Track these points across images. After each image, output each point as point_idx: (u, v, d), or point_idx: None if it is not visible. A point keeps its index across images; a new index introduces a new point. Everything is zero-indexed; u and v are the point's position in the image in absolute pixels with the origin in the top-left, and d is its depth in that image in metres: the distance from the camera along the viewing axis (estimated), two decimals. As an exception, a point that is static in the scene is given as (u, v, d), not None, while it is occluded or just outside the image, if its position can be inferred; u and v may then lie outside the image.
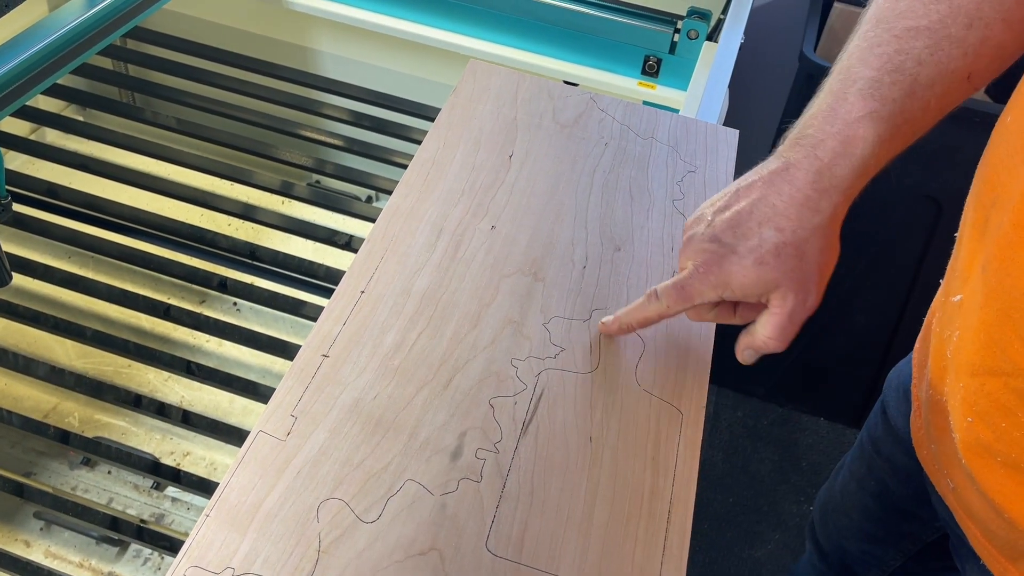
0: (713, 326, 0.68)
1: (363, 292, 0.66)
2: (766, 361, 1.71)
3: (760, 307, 0.58)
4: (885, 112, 0.54)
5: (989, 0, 0.53)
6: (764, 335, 0.57)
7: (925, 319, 0.71)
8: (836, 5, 1.38)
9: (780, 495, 1.58)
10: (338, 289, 0.66)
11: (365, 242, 0.70)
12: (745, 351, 0.60)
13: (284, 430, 0.57)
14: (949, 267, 0.63)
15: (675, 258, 0.72)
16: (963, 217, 0.60)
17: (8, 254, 0.98)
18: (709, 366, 0.65)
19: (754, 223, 0.56)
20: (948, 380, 0.59)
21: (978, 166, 0.59)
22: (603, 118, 0.85)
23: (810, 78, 1.29)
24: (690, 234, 0.59)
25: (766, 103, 1.48)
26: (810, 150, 0.55)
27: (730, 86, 1.27)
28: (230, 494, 0.54)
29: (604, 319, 0.66)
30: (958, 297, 0.58)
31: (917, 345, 0.72)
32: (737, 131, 0.86)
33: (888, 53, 0.54)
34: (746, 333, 0.59)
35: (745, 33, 1.19)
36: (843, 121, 0.54)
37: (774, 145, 1.27)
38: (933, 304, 0.69)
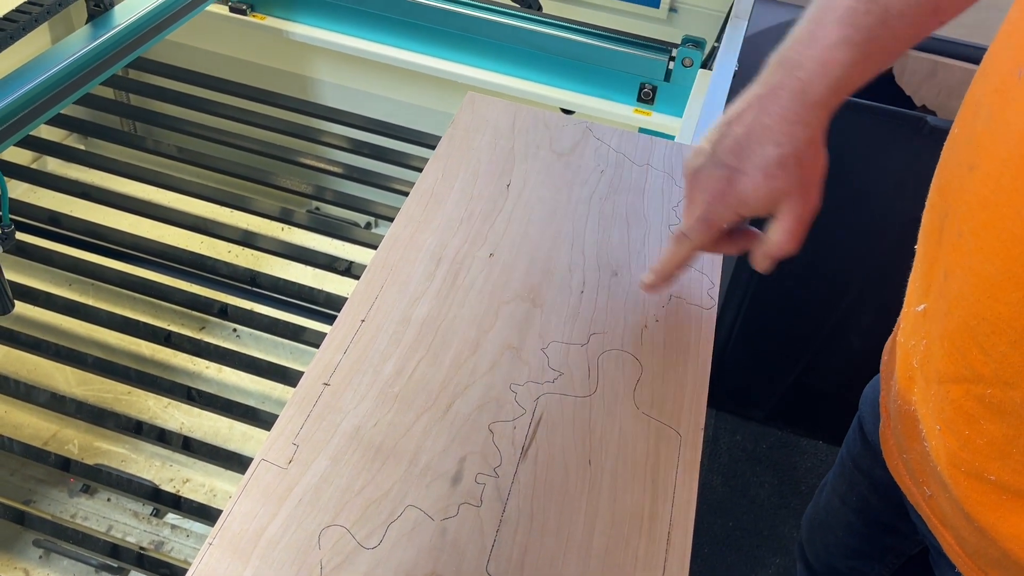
0: (710, 350, 0.69)
1: (363, 321, 0.67)
2: (765, 385, 1.71)
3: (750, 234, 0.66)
4: (859, 38, 0.58)
5: None
6: (780, 240, 0.62)
7: (892, 334, 0.72)
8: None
9: (780, 519, 1.58)
10: (339, 318, 0.67)
11: (365, 271, 0.71)
12: (764, 260, 0.64)
13: (286, 458, 0.58)
14: (911, 278, 0.65)
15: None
16: (921, 227, 0.61)
17: (10, 282, 0.99)
18: (707, 388, 0.66)
19: (754, 143, 0.61)
20: (916, 389, 0.60)
21: (933, 177, 0.60)
22: (599, 146, 0.86)
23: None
24: (694, 167, 0.64)
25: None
26: (791, 71, 0.60)
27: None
28: (233, 522, 0.55)
29: (644, 278, 0.70)
30: (922, 306, 0.59)
31: (884, 358, 0.73)
32: None
33: None
34: (761, 244, 0.64)
35: (739, 61, 1.21)
36: (821, 45, 0.58)
37: None
38: (900, 317, 0.71)
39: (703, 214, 0.64)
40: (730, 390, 1.71)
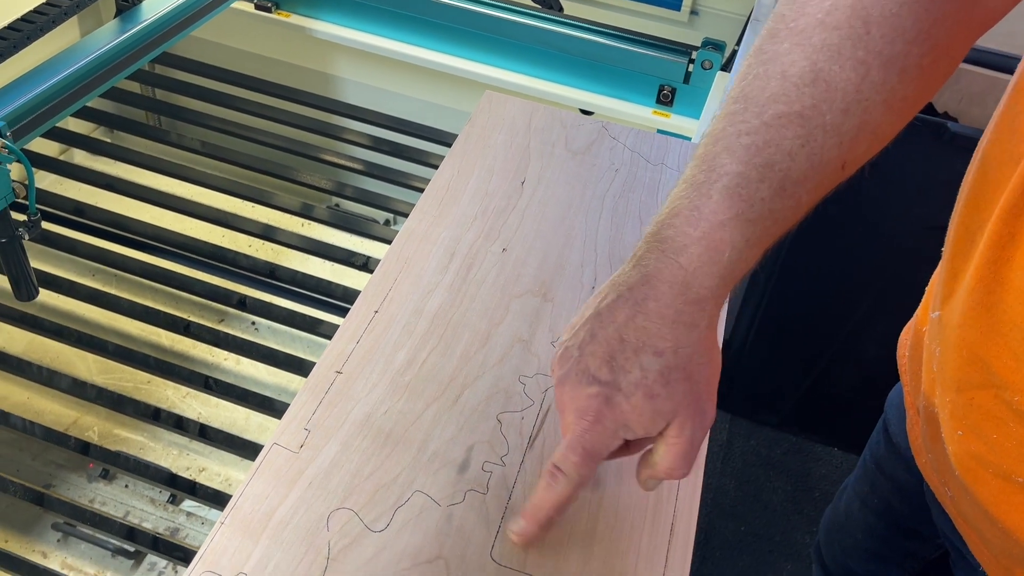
0: (720, 342, 0.69)
1: (377, 312, 0.68)
2: (780, 390, 1.71)
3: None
4: (753, 214, 0.48)
5: (869, 81, 0.47)
6: (667, 466, 0.51)
7: (907, 331, 0.72)
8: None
9: (793, 525, 1.58)
10: (353, 309, 0.68)
11: (380, 264, 0.72)
12: (648, 481, 0.53)
13: (297, 443, 0.59)
14: (931, 282, 0.64)
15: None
16: (948, 237, 0.61)
17: (35, 270, 1.01)
18: (716, 386, 0.66)
19: (630, 352, 0.49)
20: (937, 393, 0.60)
21: (960, 188, 0.60)
22: (614, 145, 0.87)
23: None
24: (561, 375, 0.52)
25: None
26: (672, 257, 0.49)
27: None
28: (244, 503, 0.56)
29: (512, 527, 0.54)
30: (936, 313, 0.59)
31: (909, 354, 0.73)
32: None
33: (756, 145, 0.48)
34: (645, 464, 0.52)
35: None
36: (707, 223, 0.48)
37: None
38: (918, 316, 0.70)
39: (578, 442, 0.50)
40: (745, 395, 1.71)
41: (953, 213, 0.61)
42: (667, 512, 0.58)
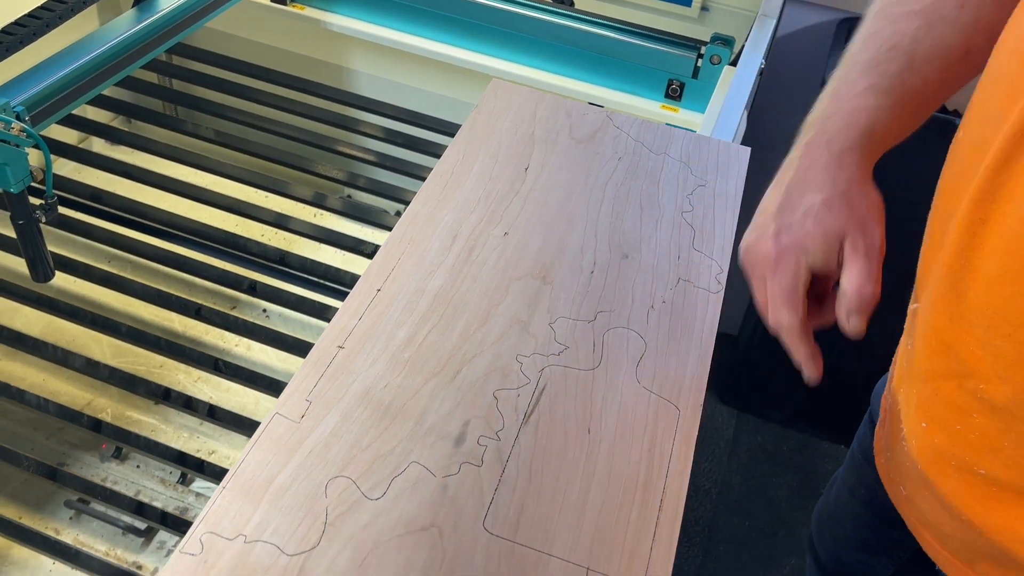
0: (714, 332, 0.71)
1: (379, 290, 0.70)
2: (787, 387, 1.72)
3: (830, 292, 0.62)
4: (884, 84, 0.59)
5: None
6: (854, 286, 0.58)
7: None
8: (861, 35, 1.40)
9: (797, 520, 1.59)
10: (356, 287, 0.70)
11: (384, 244, 0.74)
12: (849, 318, 0.59)
13: (299, 413, 0.61)
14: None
15: (681, 265, 0.75)
16: (926, 230, 0.62)
17: (53, 253, 1.03)
18: (708, 368, 0.68)
19: (796, 197, 0.60)
20: (903, 389, 0.61)
21: (939, 180, 0.61)
22: (618, 135, 0.88)
23: (832, 105, 1.31)
24: (746, 244, 0.62)
25: (792, 130, 1.51)
26: (820, 126, 0.61)
27: (755, 111, 1.29)
28: (246, 469, 0.58)
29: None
30: (915, 306, 0.60)
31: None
32: (748, 148, 0.88)
33: (884, 35, 0.60)
34: (839, 304, 0.59)
35: (772, 61, 1.22)
36: (846, 97, 0.59)
37: None
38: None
39: (774, 294, 0.59)
40: (753, 391, 1.72)
41: (932, 207, 0.62)
42: (657, 488, 0.59)
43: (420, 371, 0.64)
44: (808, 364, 0.62)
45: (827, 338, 1.66)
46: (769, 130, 1.55)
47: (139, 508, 0.91)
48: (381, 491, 0.57)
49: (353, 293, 0.70)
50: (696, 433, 0.63)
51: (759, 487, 1.63)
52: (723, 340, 1.83)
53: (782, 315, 0.60)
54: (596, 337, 0.69)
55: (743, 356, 1.67)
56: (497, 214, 0.78)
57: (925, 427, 0.58)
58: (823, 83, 1.32)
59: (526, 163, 0.83)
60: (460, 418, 0.62)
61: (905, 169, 1.33)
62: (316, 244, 1.36)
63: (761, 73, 1.13)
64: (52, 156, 1.32)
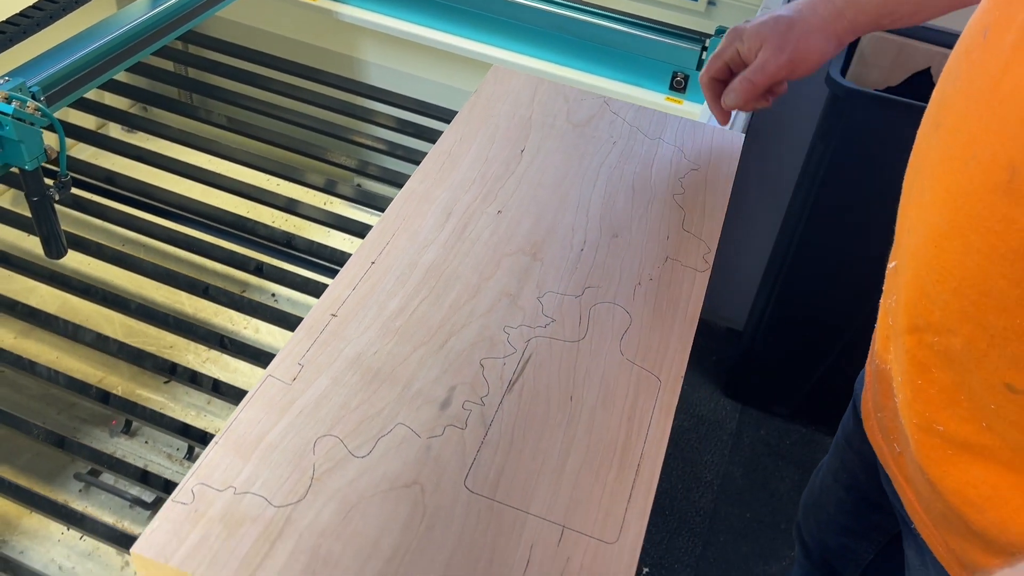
0: (699, 309, 0.73)
1: (373, 263, 0.72)
2: (791, 382, 1.73)
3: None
4: None
5: None
6: (743, 76, 0.80)
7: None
8: (867, 31, 1.41)
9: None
10: (351, 259, 0.72)
11: (380, 220, 0.76)
12: (727, 96, 0.83)
13: (291, 375, 0.63)
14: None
15: (670, 245, 0.77)
16: (902, 189, 0.64)
17: (68, 233, 1.06)
18: (691, 342, 0.70)
19: (773, 12, 0.81)
20: (891, 346, 0.63)
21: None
22: (614, 119, 0.90)
23: (836, 99, 1.32)
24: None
25: (795, 126, 1.52)
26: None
27: (761, 110, 1.29)
28: (238, 426, 0.60)
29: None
30: (893, 264, 0.62)
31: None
32: (743, 135, 0.90)
33: None
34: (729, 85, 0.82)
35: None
36: None
37: (804, 168, 1.34)
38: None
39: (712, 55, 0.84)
40: (756, 386, 1.72)
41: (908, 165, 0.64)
42: (635, 453, 0.61)
43: (410, 339, 0.66)
44: (714, 112, 0.86)
45: (831, 333, 1.67)
46: (772, 124, 1.56)
47: (144, 477, 0.93)
48: (367, 450, 0.59)
49: (348, 265, 0.72)
50: (675, 403, 0.65)
51: (761, 480, 1.64)
52: (728, 334, 1.85)
53: (703, 70, 0.85)
54: (583, 311, 0.71)
55: (748, 350, 1.68)
56: (492, 193, 0.80)
57: (900, 382, 0.60)
58: (827, 78, 1.33)
59: (522, 145, 0.85)
60: (446, 384, 0.64)
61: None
62: (325, 230, 1.38)
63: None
64: (72, 141, 1.36)
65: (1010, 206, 0.49)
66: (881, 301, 0.69)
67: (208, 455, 0.58)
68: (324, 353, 0.65)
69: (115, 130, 1.55)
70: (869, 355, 0.75)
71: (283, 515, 0.55)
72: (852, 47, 1.42)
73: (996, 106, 0.50)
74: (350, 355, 0.65)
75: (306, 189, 1.32)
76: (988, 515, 0.56)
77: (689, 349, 0.69)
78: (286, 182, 1.31)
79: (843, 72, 1.37)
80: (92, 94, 1.41)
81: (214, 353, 1.26)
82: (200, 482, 0.56)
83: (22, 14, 1.02)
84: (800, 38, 0.79)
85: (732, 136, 0.90)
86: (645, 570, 1.48)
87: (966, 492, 0.57)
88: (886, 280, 0.66)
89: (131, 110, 1.58)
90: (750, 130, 1.55)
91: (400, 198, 0.79)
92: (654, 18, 1.31)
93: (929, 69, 1.40)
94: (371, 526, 0.55)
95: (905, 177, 0.64)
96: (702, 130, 0.90)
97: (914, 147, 0.63)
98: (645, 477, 0.60)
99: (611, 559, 0.55)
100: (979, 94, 0.52)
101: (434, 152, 0.84)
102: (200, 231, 1.18)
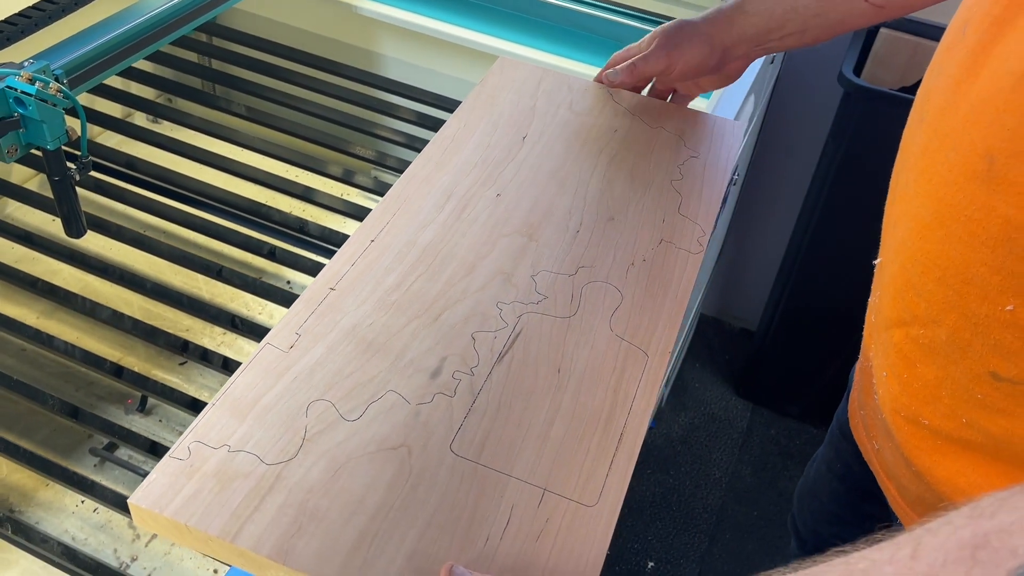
0: (690, 289, 0.74)
1: (373, 241, 0.74)
2: (803, 382, 1.75)
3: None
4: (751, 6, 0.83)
5: None
6: (629, 60, 0.91)
7: None
8: (882, 31, 1.42)
9: (807, 514, 1.60)
10: (351, 237, 0.75)
11: (381, 201, 0.79)
12: (611, 72, 0.93)
13: (288, 344, 0.65)
14: None
15: (665, 228, 0.78)
16: (890, 188, 0.65)
17: (89, 214, 1.09)
18: (680, 321, 0.71)
19: None
20: (873, 343, 0.64)
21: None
22: (617, 108, 0.92)
23: (849, 98, 1.33)
24: None
25: (809, 125, 1.53)
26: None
27: (774, 109, 1.31)
28: (235, 390, 0.62)
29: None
30: (878, 260, 0.63)
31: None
32: (743, 124, 0.91)
33: None
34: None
35: (789, 60, 1.23)
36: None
37: (817, 168, 1.37)
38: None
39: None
40: (768, 385, 1.73)
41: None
42: (618, 424, 0.63)
43: (405, 312, 0.69)
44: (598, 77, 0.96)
45: (843, 333, 1.68)
46: (785, 123, 1.57)
47: (152, 448, 0.96)
48: (358, 414, 0.61)
49: (348, 242, 0.74)
50: (662, 377, 0.67)
51: (769, 479, 1.64)
52: (741, 334, 1.86)
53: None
54: (575, 289, 0.72)
55: (760, 350, 1.69)
56: (492, 177, 0.82)
57: (885, 376, 0.61)
58: (840, 77, 1.34)
59: (524, 132, 0.87)
60: (438, 354, 0.66)
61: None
62: (341, 218, 1.41)
63: (773, 62, 1.16)
64: (99, 128, 1.40)
65: (988, 194, 0.50)
66: (870, 300, 0.70)
67: (205, 415, 0.61)
68: (321, 323, 0.67)
69: (140, 119, 1.59)
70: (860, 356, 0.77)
71: (274, 472, 0.57)
72: (867, 46, 1.43)
73: (974, 97, 0.52)
74: (346, 326, 0.67)
75: (324, 179, 1.35)
76: None
77: (678, 328, 0.71)
78: (304, 171, 1.34)
79: (858, 72, 1.37)
80: (119, 83, 1.45)
81: (229, 336, 1.29)
82: (196, 440, 0.59)
83: (49, 0, 1.06)
84: (683, 40, 0.85)
85: (732, 125, 0.91)
86: (650, 564, 1.49)
87: (956, 481, 0.58)
88: (873, 277, 0.67)
89: (157, 100, 1.62)
90: (763, 129, 1.56)
91: (401, 181, 0.81)
92: (664, 13, 1.32)
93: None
94: (358, 484, 0.57)
95: (892, 174, 0.65)
96: (704, 120, 0.92)
97: (901, 143, 0.64)
98: (627, 445, 0.61)
99: (589, 521, 0.57)
100: (958, 86, 0.53)
101: (438, 138, 0.86)
102: (216, 216, 1.21)
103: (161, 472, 0.58)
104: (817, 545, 0.98)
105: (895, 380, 0.60)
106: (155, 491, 0.57)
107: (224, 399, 0.62)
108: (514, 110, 0.90)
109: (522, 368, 0.66)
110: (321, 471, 0.58)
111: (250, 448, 0.59)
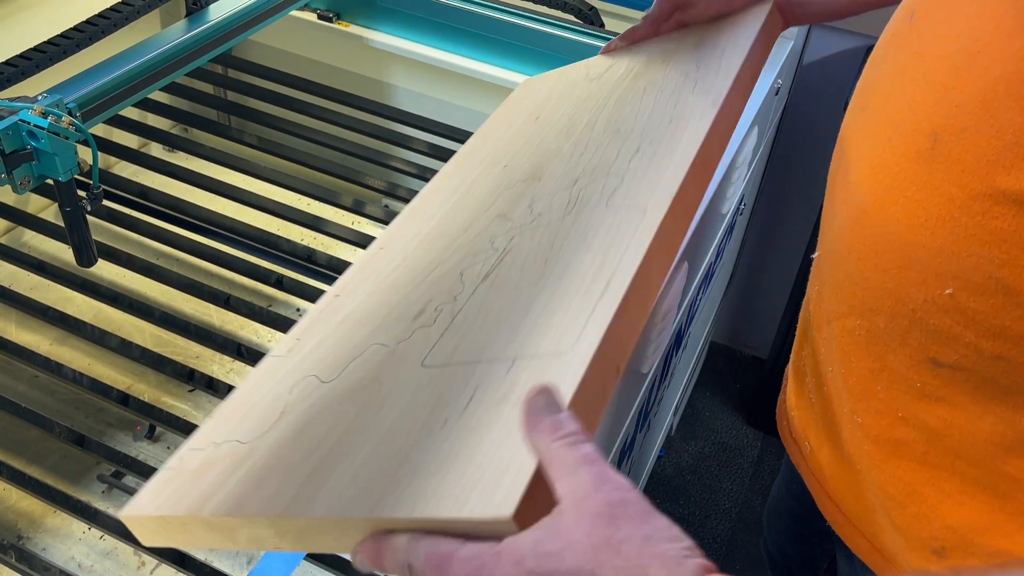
0: (693, 154, 0.65)
1: (382, 248, 0.74)
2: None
3: None
4: None
5: None
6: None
7: None
8: (891, 63, 1.42)
9: (820, 546, 1.58)
10: (363, 252, 0.75)
11: (397, 217, 0.78)
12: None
13: (287, 348, 0.65)
14: None
15: (676, 110, 0.72)
16: (827, 184, 0.65)
17: (98, 242, 1.11)
18: (681, 179, 0.63)
19: None
20: (807, 339, 0.63)
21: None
22: (635, 58, 0.88)
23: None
24: None
25: (817, 154, 1.53)
26: None
27: (781, 136, 1.30)
28: (230, 400, 0.62)
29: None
30: (815, 254, 0.63)
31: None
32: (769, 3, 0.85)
33: None
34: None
35: (798, 86, 1.23)
36: None
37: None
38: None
39: None
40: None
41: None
42: (607, 272, 0.57)
43: (399, 289, 0.66)
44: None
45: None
46: (793, 157, 1.57)
47: (157, 477, 0.97)
48: (337, 373, 0.59)
49: (361, 255, 0.75)
50: (656, 228, 0.58)
51: (782, 510, 1.63)
52: (752, 362, 1.84)
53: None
54: (572, 196, 0.67)
55: (771, 378, 1.68)
56: (500, 153, 0.80)
57: (831, 372, 0.61)
58: (846, 105, 1.34)
59: (538, 114, 0.85)
60: (424, 299, 0.63)
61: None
62: (351, 248, 1.42)
63: (778, 93, 1.16)
64: (114, 159, 1.42)
65: (931, 172, 0.50)
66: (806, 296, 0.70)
67: (203, 428, 0.61)
68: (321, 324, 0.67)
69: (156, 149, 1.62)
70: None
71: (247, 448, 0.56)
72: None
73: (919, 79, 0.52)
74: (342, 317, 0.66)
75: (335, 209, 1.36)
76: (909, 509, 0.56)
77: (678, 185, 0.62)
78: (316, 201, 1.35)
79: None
80: (135, 115, 1.48)
81: (238, 364, 1.30)
82: (187, 448, 0.59)
83: (63, 35, 1.08)
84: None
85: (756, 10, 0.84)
86: (659, 596, 1.48)
87: (887, 488, 0.57)
88: (811, 272, 0.67)
89: (172, 130, 1.65)
90: (771, 159, 1.56)
91: (416, 198, 0.81)
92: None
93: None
94: (323, 428, 0.54)
95: (829, 172, 0.65)
96: (720, 23, 0.85)
97: (837, 141, 0.64)
98: (612, 290, 0.54)
99: (559, 369, 0.49)
100: (904, 70, 0.54)
101: (455, 157, 0.86)
102: (226, 244, 1.23)
103: (151, 484, 0.57)
104: (787, 565, 0.98)
105: (836, 377, 0.59)
106: (141, 500, 0.56)
107: (218, 410, 0.62)
108: (531, 101, 0.88)
109: (508, 272, 0.61)
110: (293, 430, 0.55)
111: (234, 438, 0.57)
